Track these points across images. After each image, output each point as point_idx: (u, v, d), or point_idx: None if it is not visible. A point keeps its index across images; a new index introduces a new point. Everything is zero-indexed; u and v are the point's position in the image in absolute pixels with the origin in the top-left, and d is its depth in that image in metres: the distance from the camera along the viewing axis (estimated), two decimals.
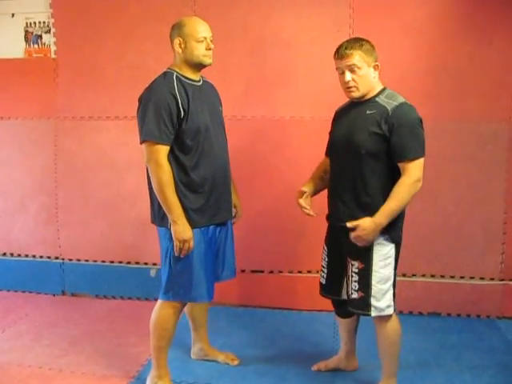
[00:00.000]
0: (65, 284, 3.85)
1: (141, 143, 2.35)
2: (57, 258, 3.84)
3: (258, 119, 3.45)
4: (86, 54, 3.60)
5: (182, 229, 2.34)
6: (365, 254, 2.32)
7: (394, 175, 2.25)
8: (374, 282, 2.31)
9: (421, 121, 2.26)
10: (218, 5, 3.39)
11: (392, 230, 2.30)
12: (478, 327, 3.29)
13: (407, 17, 3.24)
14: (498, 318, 3.38)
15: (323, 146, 3.39)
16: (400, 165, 2.24)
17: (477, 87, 3.24)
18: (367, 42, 2.31)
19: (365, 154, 2.28)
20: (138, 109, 2.39)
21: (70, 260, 3.82)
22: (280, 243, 3.54)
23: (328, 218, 2.54)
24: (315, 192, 2.56)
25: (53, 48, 3.67)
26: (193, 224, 2.39)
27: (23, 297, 3.83)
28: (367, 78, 2.29)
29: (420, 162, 2.22)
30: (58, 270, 3.84)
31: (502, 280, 3.36)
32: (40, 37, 3.67)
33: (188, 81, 2.41)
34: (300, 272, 3.54)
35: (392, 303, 2.36)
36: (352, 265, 2.37)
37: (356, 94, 2.32)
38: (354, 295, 2.37)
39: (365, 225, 2.25)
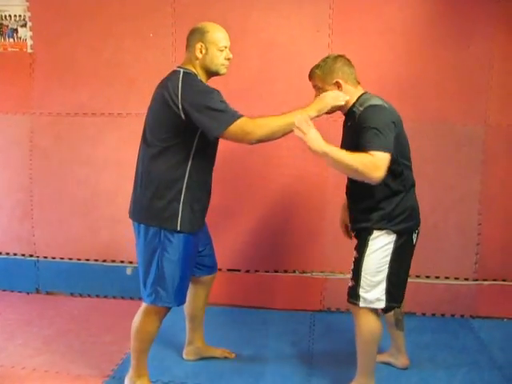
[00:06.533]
0: (39, 282, 3.80)
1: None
2: (31, 255, 3.79)
3: None
4: (64, 49, 3.55)
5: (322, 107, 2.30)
6: (361, 246, 2.36)
7: (386, 183, 2.24)
8: (363, 273, 2.34)
9: (387, 122, 2.17)
10: (197, 3, 3.37)
11: (387, 221, 2.30)
12: (452, 327, 3.34)
13: (387, 18, 3.25)
14: (472, 318, 3.43)
15: (300, 146, 3.42)
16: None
17: (454, 90, 3.27)
18: (331, 60, 2.33)
19: None
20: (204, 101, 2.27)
21: (45, 258, 3.77)
22: (256, 243, 3.54)
23: None
24: None
25: (29, 42, 3.60)
26: (191, 228, 2.34)
27: None
28: None
29: (383, 155, 2.09)
30: (33, 268, 3.79)
31: (476, 280, 3.41)
32: (16, 30, 3.60)
33: None
34: (276, 271, 3.54)
35: (383, 297, 2.34)
36: (353, 255, 2.43)
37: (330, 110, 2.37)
38: (349, 283, 2.42)
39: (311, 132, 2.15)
